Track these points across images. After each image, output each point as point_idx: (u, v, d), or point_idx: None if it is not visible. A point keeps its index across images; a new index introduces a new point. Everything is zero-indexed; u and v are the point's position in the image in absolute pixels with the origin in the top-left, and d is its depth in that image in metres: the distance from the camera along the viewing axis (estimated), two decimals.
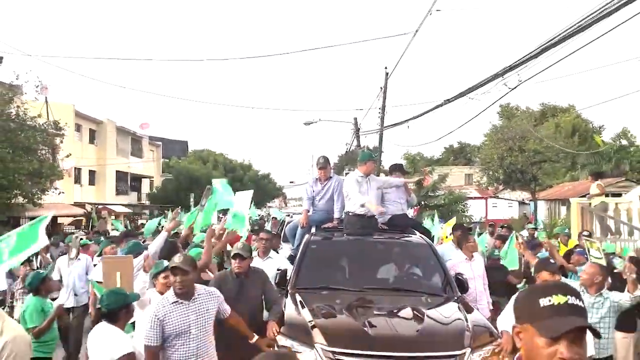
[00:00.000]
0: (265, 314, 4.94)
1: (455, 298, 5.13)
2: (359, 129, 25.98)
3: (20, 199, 16.66)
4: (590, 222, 10.26)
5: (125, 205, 32.07)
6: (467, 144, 60.41)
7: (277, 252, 7.20)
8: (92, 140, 34.87)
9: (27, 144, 16.24)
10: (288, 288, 5.24)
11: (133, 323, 4.43)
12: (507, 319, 4.44)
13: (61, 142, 18.20)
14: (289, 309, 4.77)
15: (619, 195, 14.53)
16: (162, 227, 13.98)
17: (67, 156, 18.81)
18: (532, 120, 39.29)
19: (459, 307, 4.84)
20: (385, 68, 21.91)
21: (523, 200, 35.35)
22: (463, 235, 6.82)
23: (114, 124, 36.83)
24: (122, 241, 7.79)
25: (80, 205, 25.74)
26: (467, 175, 47.79)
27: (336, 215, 6.42)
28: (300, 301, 4.84)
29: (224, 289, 4.68)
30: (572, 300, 1.52)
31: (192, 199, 27.89)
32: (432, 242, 6.77)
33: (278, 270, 5.60)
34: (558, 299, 1.51)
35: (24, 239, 4.47)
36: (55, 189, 18.01)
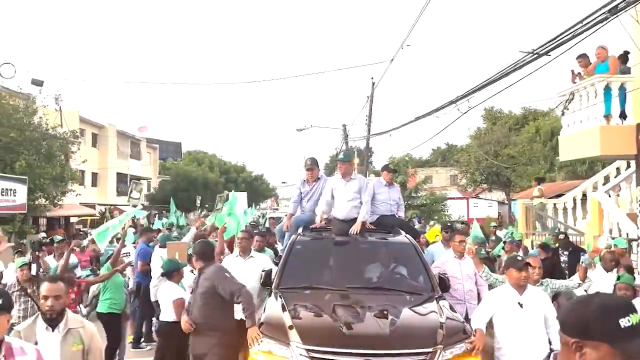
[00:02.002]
0: (237, 310, 5.02)
1: (436, 296, 5.15)
2: (348, 134, 28.13)
3: (42, 200, 18.58)
4: (532, 219, 12.45)
5: (134, 206, 33.96)
6: (454, 145, 62.58)
7: (273, 249, 7.73)
8: (94, 143, 36.65)
9: (50, 151, 18.20)
10: (272, 288, 5.34)
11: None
12: (480, 317, 4.56)
13: (78, 149, 20.16)
14: (270, 309, 4.89)
15: None
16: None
17: (84, 162, 20.79)
18: (514, 124, 41.41)
19: (436, 306, 4.88)
20: (372, 78, 24.02)
21: (503, 200, 37.55)
22: (450, 234, 6.85)
23: (115, 128, 38.57)
24: (142, 235, 9.64)
25: (88, 205, 27.68)
26: (452, 177, 49.92)
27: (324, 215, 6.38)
28: (281, 301, 4.91)
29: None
30: None
31: (198, 202, 29.89)
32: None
33: (263, 270, 5.68)
34: (635, 318, 1.51)
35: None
36: (73, 191, 19.98)
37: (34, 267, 7.46)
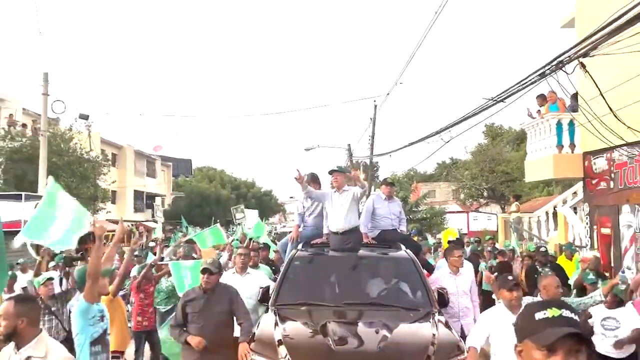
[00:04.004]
0: (237, 329, 4.97)
1: (433, 312, 5.06)
2: (352, 153, 30.24)
3: None
4: (509, 231, 14.36)
5: (154, 221, 36.17)
6: (458, 160, 64.29)
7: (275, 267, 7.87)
8: (113, 163, 38.88)
9: (85, 173, 20.38)
10: (269, 304, 5.30)
11: None
12: (475, 336, 4.45)
13: (109, 170, 22.35)
14: (263, 325, 4.87)
15: None
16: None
17: (113, 182, 22.97)
18: (513, 140, 43.25)
19: (431, 321, 4.81)
20: (374, 101, 26.03)
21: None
22: (447, 249, 6.66)
23: (132, 148, 40.79)
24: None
25: (113, 222, 29.80)
26: (453, 191, 51.74)
27: (325, 230, 6.35)
28: (275, 317, 4.89)
29: (191, 303, 4.93)
30: (566, 313, 1.59)
31: (213, 223, 32.00)
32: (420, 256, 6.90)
33: (261, 287, 5.64)
34: (552, 312, 1.58)
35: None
36: (104, 209, 22.15)
37: (63, 282, 7.23)
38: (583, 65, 6.88)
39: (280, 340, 4.41)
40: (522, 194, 34.61)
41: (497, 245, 13.00)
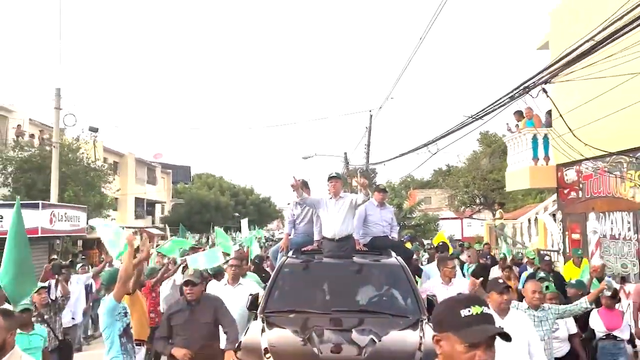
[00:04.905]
0: (223, 338, 5.01)
1: (422, 319, 5.07)
2: (348, 162, 31.20)
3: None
4: (495, 237, 15.30)
5: (159, 228, 37.04)
6: (454, 166, 65.07)
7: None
8: (115, 171, 39.72)
9: (92, 182, 21.26)
10: (257, 312, 5.27)
11: None
12: None
13: (113, 179, 23.23)
14: (250, 333, 4.86)
15: None
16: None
17: (118, 190, 23.84)
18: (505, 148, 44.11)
19: (419, 328, 4.84)
20: (370, 111, 27.00)
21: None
22: (441, 259, 6.70)
23: (134, 156, 41.60)
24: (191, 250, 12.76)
25: None
26: (448, 197, 52.62)
27: (316, 237, 6.35)
28: (263, 325, 4.88)
29: (175, 315, 4.95)
30: (487, 310, 1.72)
31: (211, 231, 32.88)
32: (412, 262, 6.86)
33: (250, 295, 5.64)
34: (475, 310, 1.69)
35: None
36: (109, 216, 23.02)
37: (52, 290, 7.23)
38: (545, 91, 7.83)
39: (267, 348, 4.43)
40: (517, 201, 35.60)
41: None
